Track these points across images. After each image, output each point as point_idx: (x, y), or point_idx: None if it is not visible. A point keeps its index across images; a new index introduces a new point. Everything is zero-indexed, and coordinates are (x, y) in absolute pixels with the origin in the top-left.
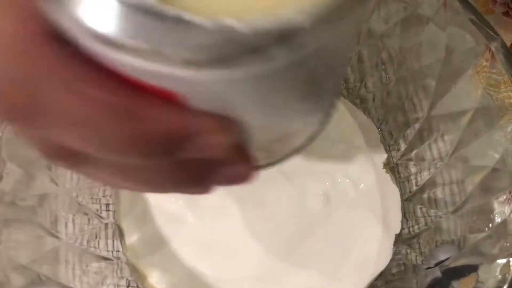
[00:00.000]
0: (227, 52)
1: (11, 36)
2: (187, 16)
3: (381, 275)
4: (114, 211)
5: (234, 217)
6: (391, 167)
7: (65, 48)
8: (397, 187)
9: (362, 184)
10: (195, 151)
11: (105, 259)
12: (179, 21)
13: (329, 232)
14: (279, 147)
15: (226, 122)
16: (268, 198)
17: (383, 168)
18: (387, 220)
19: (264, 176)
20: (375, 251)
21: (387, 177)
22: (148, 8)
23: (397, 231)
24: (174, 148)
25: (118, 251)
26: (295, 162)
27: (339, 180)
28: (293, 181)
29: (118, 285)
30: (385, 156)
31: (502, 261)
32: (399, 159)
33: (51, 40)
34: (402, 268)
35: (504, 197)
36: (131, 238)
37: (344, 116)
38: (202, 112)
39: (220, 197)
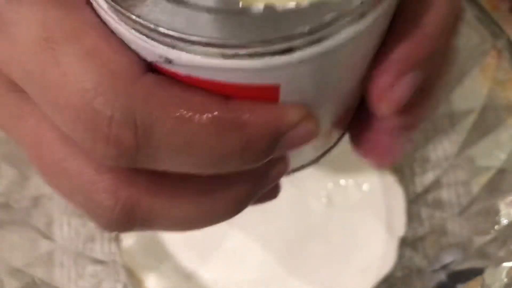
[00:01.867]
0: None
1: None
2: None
3: (385, 278)
4: None
5: (234, 219)
6: (395, 168)
7: (157, 76)
8: (401, 188)
9: (365, 185)
10: (290, 146)
11: (101, 262)
12: (269, 12)
13: (331, 235)
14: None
15: (310, 109)
16: None
17: (388, 171)
18: (391, 223)
19: None
20: (378, 254)
21: (391, 178)
22: (236, 9)
23: (401, 234)
24: (275, 146)
25: (115, 254)
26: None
27: (342, 181)
28: (294, 182)
29: None
30: None
31: (508, 264)
32: (402, 159)
33: (145, 71)
34: (406, 271)
35: (511, 198)
36: (128, 241)
37: None
38: (290, 105)
39: None
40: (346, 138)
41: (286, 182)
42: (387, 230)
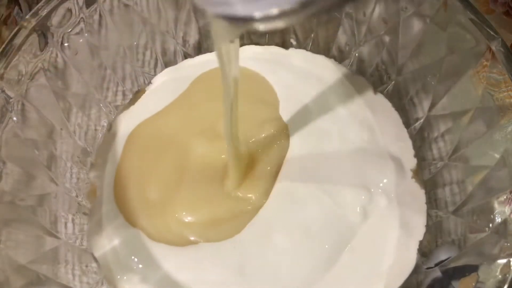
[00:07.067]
0: None
1: None
2: None
3: None
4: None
5: (276, 238)
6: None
7: None
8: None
9: (393, 195)
10: None
11: None
12: None
13: (361, 245)
14: None
15: None
16: (308, 214)
17: (412, 177)
18: (412, 228)
19: (304, 193)
20: (401, 259)
21: (416, 185)
22: None
23: (421, 238)
24: None
25: None
26: (334, 176)
27: (374, 192)
28: (332, 196)
29: None
30: (415, 162)
31: (502, 261)
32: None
33: None
34: None
35: (504, 197)
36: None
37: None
38: None
39: (262, 213)
40: (378, 147)
41: (322, 194)
42: (408, 235)
